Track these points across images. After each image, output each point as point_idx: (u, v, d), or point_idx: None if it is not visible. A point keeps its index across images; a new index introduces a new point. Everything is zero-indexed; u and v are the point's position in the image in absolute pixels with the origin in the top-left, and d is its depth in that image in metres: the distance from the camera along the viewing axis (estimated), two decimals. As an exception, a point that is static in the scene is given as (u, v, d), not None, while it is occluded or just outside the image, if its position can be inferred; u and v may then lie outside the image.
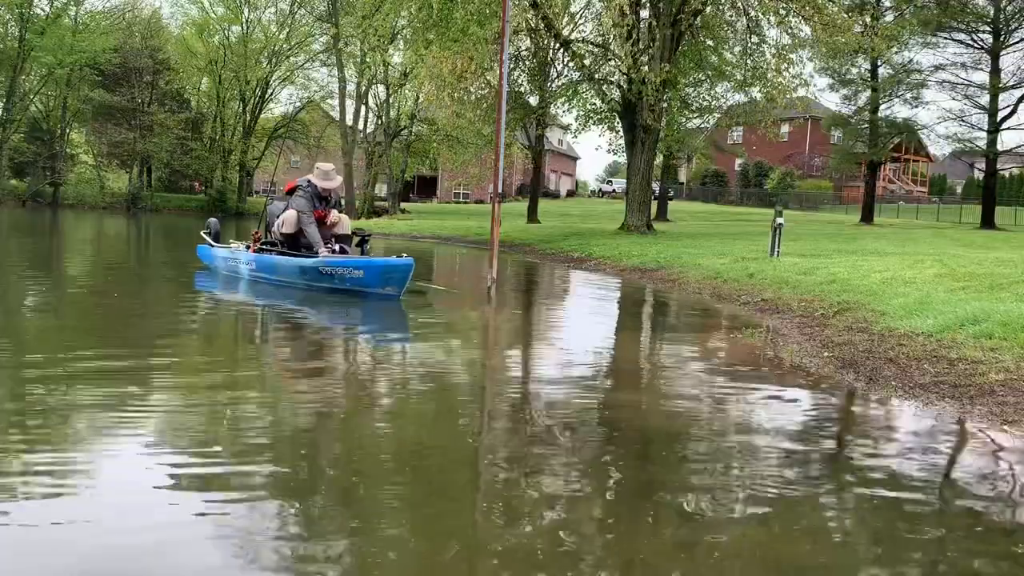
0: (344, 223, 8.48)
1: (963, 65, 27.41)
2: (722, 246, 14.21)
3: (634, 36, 16.92)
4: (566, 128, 39.21)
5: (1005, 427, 3.45)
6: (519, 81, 22.99)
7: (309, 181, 8.23)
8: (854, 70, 29.13)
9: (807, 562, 2.15)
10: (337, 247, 8.10)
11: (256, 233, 8.84)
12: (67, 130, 45.99)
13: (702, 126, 29.49)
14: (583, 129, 21.88)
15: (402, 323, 6.79)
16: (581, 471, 2.83)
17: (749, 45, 18.97)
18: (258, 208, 17.37)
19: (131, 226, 27.20)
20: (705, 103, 22.53)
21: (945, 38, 27.21)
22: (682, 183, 56.08)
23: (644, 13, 18.24)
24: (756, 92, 20.04)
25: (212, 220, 10.35)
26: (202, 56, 45.49)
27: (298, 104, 48.92)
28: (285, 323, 6.52)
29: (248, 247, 8.85)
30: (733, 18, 19.21)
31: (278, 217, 8.40)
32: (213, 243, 9.75)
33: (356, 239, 8.49)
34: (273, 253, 8.25)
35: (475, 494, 2.61)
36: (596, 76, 19.18)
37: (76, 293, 8.24)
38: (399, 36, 26.28)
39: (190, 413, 3.43)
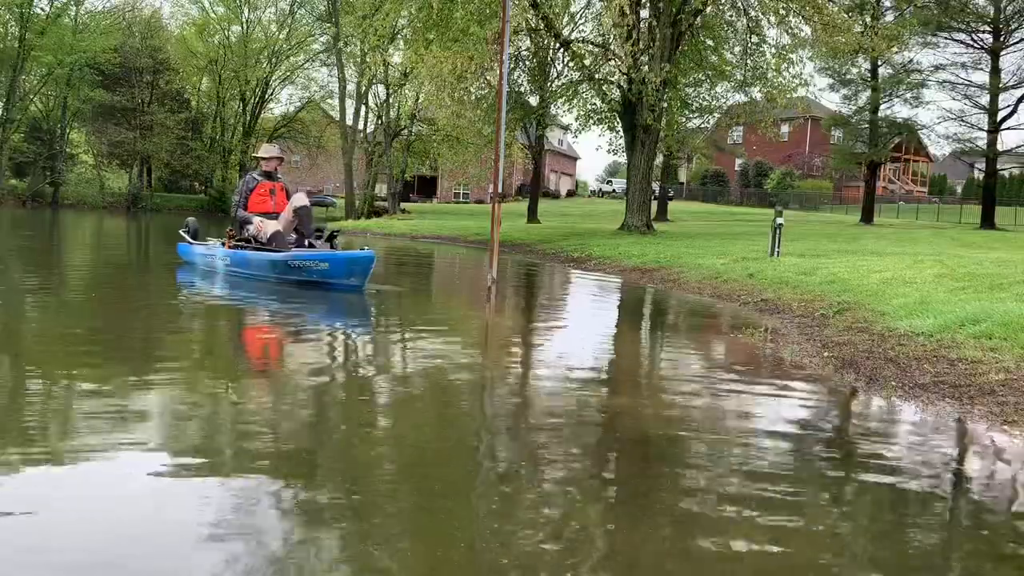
0: (299, 197, 8.88)
1: (963, 65, 27.43)
2: (722, 246, 14.21)
3: (634, 36, 16.91)
4: (566, 128, 39.21)
5: (1005, 427, 3.45)
6: (519, 81, 22.99)
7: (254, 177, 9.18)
8: (854, 70, 29.12)
9: (807, 562, 2.15)
10: (306, 242, 8.71)
11: (231, 231, 9.41)
12: (67, 130, 46.01)
13: (702, 126, 29.47)
14: (583, 129, 21.91)
15: (403, 322, 6.79)
16: (581, 471, 2.83)
17: (749, 45, 18.99)
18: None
19: (130, 226, 27.19)
20: (705, 103, 22.55)
21: (945, 38, 27.21)
22: (682, 183, 56.06)
23: (644, 13, 18.24)
24: (756, 92, 20.05)
25: (190, 219, 11.03)
26: (202, 56, 45.56)
27: (298, 104, 49.02)
28: (274, 322, 6.51)
29: (223, 243, 9.45)
30: (733, 18, 19.23)
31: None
32: (192, 241, 10.42)
33: (326, 234, 8.97)
34: (247, 249, 8.85)
35: (474, 495, 2.61)
36: (596, 76, 19.18)
37: (66, 289, 8.24)
38: (399, 36, 26.28)
39: (179, 411, 3.43)
